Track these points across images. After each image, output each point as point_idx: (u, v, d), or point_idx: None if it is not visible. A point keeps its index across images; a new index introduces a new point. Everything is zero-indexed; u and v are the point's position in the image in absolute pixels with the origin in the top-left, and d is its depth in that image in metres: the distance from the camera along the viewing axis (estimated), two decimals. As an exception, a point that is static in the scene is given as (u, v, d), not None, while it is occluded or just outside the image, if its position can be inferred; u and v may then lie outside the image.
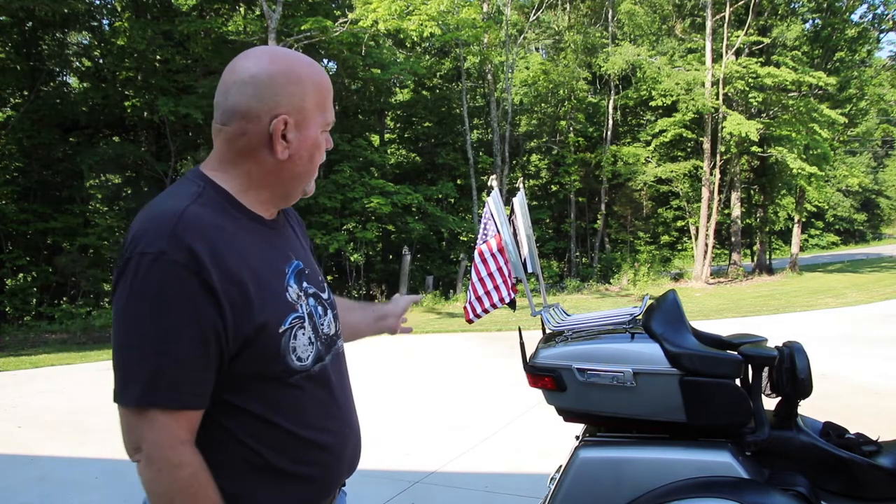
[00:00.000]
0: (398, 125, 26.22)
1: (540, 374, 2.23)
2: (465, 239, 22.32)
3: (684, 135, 21.00)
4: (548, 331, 2.50)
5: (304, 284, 1.23)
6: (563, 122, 24.74)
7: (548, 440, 4.60)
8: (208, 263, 1.04)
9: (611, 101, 24.00)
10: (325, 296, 1.30)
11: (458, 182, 23.32)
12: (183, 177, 1.21)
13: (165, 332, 1.01)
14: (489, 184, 2.75)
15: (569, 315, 2.60)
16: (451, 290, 18.57)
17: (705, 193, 20.28)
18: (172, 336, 1.02)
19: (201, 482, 1.06)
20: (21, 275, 16.44)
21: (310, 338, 1.18)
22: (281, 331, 1.12)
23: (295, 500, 1.19)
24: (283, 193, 1.23)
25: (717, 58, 19.94)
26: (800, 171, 18.95)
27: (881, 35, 23.83)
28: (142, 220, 1.08)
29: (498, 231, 2.54)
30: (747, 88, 19.32)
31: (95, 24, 17.93)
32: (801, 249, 29.51)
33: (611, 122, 24.10)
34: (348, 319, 1.58)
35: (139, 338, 1.02)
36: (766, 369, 2.20)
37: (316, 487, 1.22)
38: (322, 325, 1.25)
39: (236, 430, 1.12)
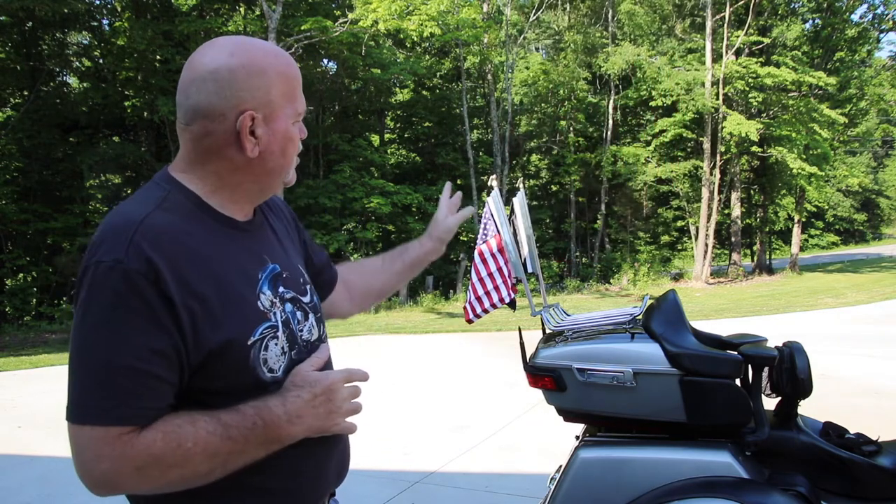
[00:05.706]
0: (398, 125, 26.20)
1: (540, 374, 2.23)
2: (465, 239, 22.30)
3: (684, 135, 21.00)
4: (548, 331, 2.50)
5: (281, 289, 1.16)
6: (563, 122, 24.72)
7: (548, 440, 4.60)
8: (166, 273, 0.97)
9: (611, 101, 23.98)
10: (305, 299, 1.22)
11: (458, 182, 23.25)
12: (151, 180, 1.13)
13: (118, 342, 0.95)
14: (489, 184, 2.75)
15: (569, 315, 2.59)
16: (451, 290, 18.56)
17: (705, 193, 20.28)
18: (125, 346, 0.95)
19: (180, 433, 0.98)
20: (21, 275, 16.45)
21: (283, 347, 1.11)
22: (250, 342, 1.05)
23: None
24: (258, 190, 1.17)
25: (717, 58, 19.94)
26: (800, 171, 18.96)
27: (881, 35, 23.87)
28: (103, 227, 1.02)
29: (498, 231, 2.53)
30: (747, 88, 19.33)
31: (95, 24, 17.94)
32: (801, 249, 29.51)
33: (611, 122, 24.08)
34: (406, 258, 1.62)
35: (93, 349, 0.96)
36: (766, 369, 2.20)
37: (284, 500, 1.15)
38: (301, 331, 1.18)
39: None
